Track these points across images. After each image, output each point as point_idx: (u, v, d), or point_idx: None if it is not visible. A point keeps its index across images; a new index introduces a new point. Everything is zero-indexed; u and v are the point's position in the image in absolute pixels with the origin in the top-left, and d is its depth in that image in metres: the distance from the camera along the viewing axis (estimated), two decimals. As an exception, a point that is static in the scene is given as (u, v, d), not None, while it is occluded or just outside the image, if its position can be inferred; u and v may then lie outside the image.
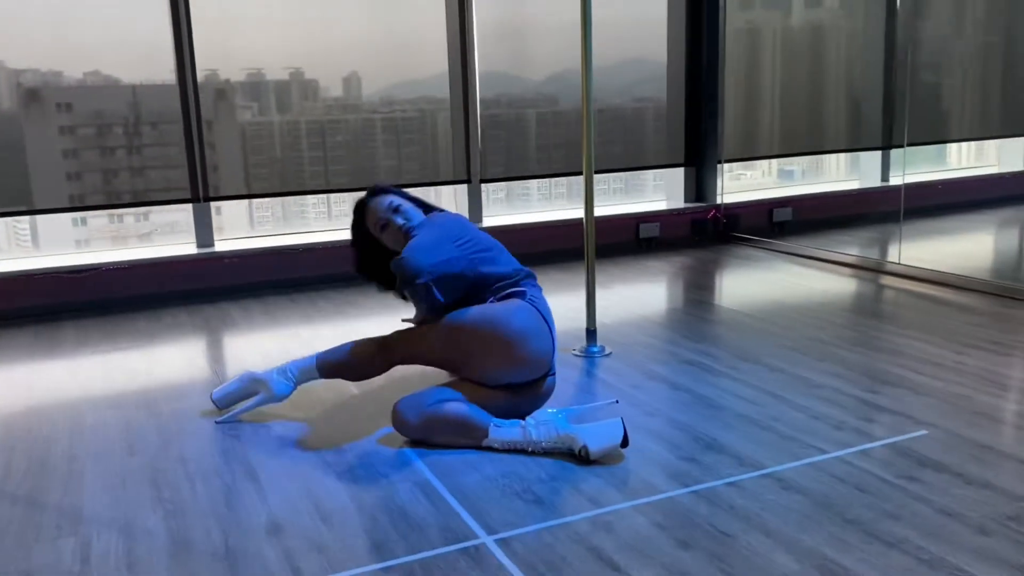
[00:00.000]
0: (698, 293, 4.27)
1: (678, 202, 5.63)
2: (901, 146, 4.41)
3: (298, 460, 2.33)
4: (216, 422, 2.59)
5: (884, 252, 4.57)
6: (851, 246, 4.99)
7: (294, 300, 4.19)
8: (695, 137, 5.51)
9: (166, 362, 3.27)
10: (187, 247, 4.44)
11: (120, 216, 4.59)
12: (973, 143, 6.22)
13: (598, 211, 5.50)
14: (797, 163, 6.24)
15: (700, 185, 5.59)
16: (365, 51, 4.59)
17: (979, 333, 3.25)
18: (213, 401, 2.67)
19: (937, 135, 5.57)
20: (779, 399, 2.64)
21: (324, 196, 4.80)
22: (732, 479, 2.12)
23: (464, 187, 4.93)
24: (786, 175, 6.31)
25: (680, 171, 5.58)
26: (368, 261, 2.69)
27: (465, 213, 4.95)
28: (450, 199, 5.08)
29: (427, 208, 2.68)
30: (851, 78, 5.79)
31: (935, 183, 5.57)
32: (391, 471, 2.24)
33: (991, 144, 6.18)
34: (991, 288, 3.89)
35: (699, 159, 5.54)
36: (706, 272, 4.68)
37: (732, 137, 5.44)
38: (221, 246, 4.45)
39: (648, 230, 5.22)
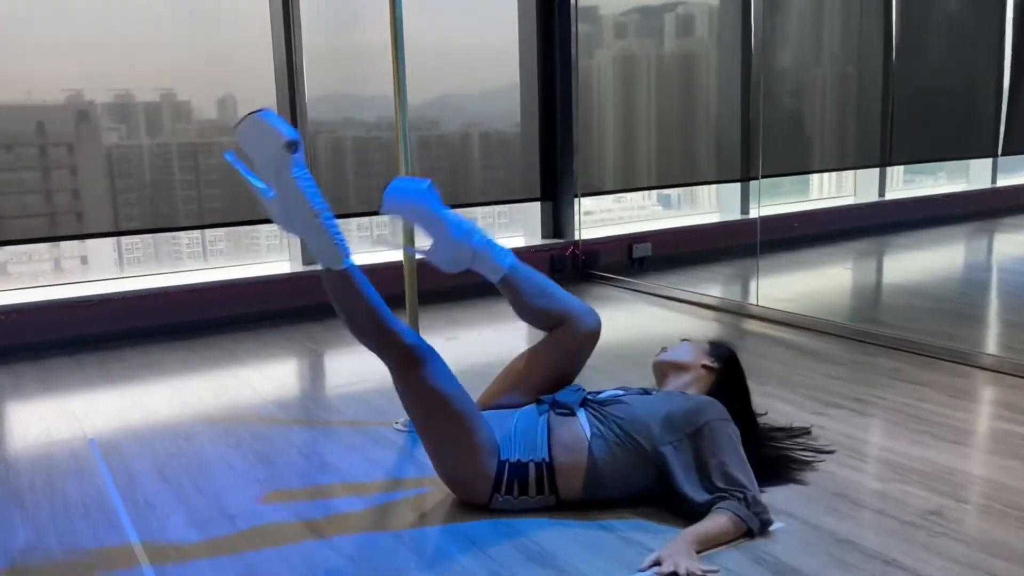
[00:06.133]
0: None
1: (535, 238, 5.29)
2: (756, 178, 4.20)
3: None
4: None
5: (744, 292, 4.34)
6: (710, 284, 4.75)
7: (80, 361, 3.57)
8: (551, 171, 5.20)
9: None
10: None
11: None
12: (833, 173, 6.18)
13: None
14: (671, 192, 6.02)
15: (557, 220, 5.27)
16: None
17: (839, 388, 2.99)
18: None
19: (791, 167, 5.45)
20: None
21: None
22: None
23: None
24: (663, 200, 6.07)
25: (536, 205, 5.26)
26: None
27: (297, 244, 4.45)
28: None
29: None
30: (710, 110, 5.62)
31: (790, 216, 5.43)
32: None
33: (850, 174, 6.16)
34: (849, 333, 3.67)
35: (555, 193, 5.23)
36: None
37: (590, 170, 5.15)
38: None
39: (502, 269, 4.82)
